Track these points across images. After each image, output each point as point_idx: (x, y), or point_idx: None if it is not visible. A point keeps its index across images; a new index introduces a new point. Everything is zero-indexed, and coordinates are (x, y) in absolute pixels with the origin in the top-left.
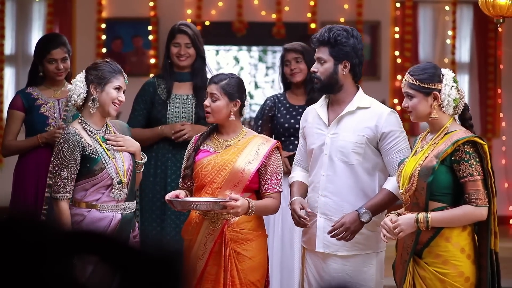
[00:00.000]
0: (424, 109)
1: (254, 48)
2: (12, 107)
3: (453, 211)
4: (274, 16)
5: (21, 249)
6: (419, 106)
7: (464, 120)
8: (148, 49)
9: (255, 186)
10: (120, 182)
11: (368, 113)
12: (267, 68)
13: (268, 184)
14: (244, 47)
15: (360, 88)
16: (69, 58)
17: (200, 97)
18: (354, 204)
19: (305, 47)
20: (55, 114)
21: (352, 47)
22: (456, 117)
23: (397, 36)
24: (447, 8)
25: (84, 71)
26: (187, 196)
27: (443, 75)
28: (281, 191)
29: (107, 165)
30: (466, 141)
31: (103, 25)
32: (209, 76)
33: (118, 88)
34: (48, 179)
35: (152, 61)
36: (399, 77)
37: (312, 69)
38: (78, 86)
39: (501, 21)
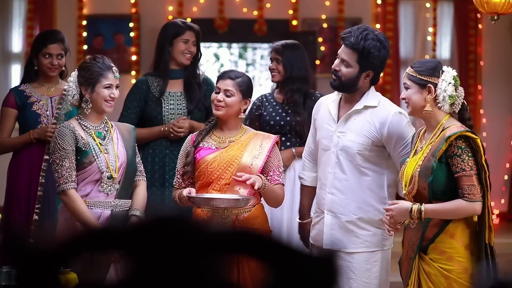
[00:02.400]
0: (418, 101)
1: (234, 45)
2: (5, 105)
3: (446, 204)
4: (255, 13)
5: (181, 247)
6: (413, 97)
7: (463, 120)
8: (130, 46)
9: None
10: (110, 177)
11: (374, 113)
12: (247, 65)
13: (271, 176)
14: (225, 44)
15: (372, 87)
16: (65, 57)
17: (190, 94)
18: (360, 202)
19: (288, 47)
20: (48, 112)
21: (380, 61)
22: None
23: None
24: (427, 5)
25: (76, 71)
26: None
27: (443, 71)
28: (283, 184)
29: (97, 158)
30: (458, 136)
31: (84, 22)
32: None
33: (108, 87)
34: (40, 178)
35: (134, 58)
36: None
37: (334, 66)
38: (71, 87)
39: (495, 18)
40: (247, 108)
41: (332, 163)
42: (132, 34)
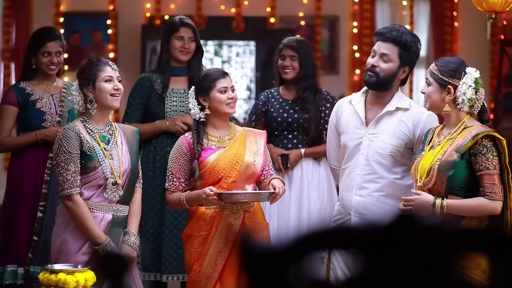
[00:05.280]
0: (436, 100)
1: (210, 42)
2: (6, 102)
3: (467, 201)
4: (233, 10)
5: (417, 246)
6: (432, 95)
7: (482, 121)
8: (107, 43)
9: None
10: (115, 183)
11: (406, 115)
12: (223, 62)
13: (267, 170)
14: (201, 41)
15: (399, 89)
16: (63, 53)
17: None
18: (389, 204)
19: (302, 44)
20: (51, 110)
21: (417, 56)
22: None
23: (355, 30)
24: (404, 3)
25: (76, 81)
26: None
27: (465, 73)
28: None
29: (102, 164)
30: (485, 135)
31: (61, 19)
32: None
33: (109, 80)
34: (45, 176)
35: (111, 55)
36: (357, 71)
37: (372, 62)
38: (75, 96)
39: (493, 16)
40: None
41: (361, 165)
42: (109, 31)
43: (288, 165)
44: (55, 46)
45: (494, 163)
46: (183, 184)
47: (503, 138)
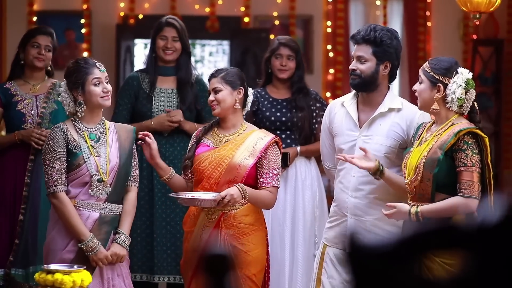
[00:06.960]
0: (426, 97)
1: None
2: None
3: (441, 203)
4: (207, 9)
5: None
6: (422, 93)
7: (473, 122)
8: (81, 43)
9: (252, 182)
10: (100, 180)
11: (399, 116)
12: (196, 61)
13: (264, 178)
14: None
15: (390, 88)
16: (53, 53)
17: (183, 92)
18: (383, 205)
19: (298, 45)
20: (32, 111)
21: (395, 49)
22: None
23: (329, 30)
24: (378, 3)
25: (64, 80)
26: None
27: (457, 73)
28: (277, 186)
29: (87, 161)
30: (467, 132)
31: (35, 18)
32: (193, 71)
33: (98, 82)
34: (26, 178)
35: (85, 54)
36: (331, 70)
37: (351, 67)
38: (64, 98)
39: (477, 16)
40: (247, 98)
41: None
42: (83, 30)
43: (288, 163)
44: (46, 40)
45: (473, 160)
46: (189, 175)
47: (485, 136)
